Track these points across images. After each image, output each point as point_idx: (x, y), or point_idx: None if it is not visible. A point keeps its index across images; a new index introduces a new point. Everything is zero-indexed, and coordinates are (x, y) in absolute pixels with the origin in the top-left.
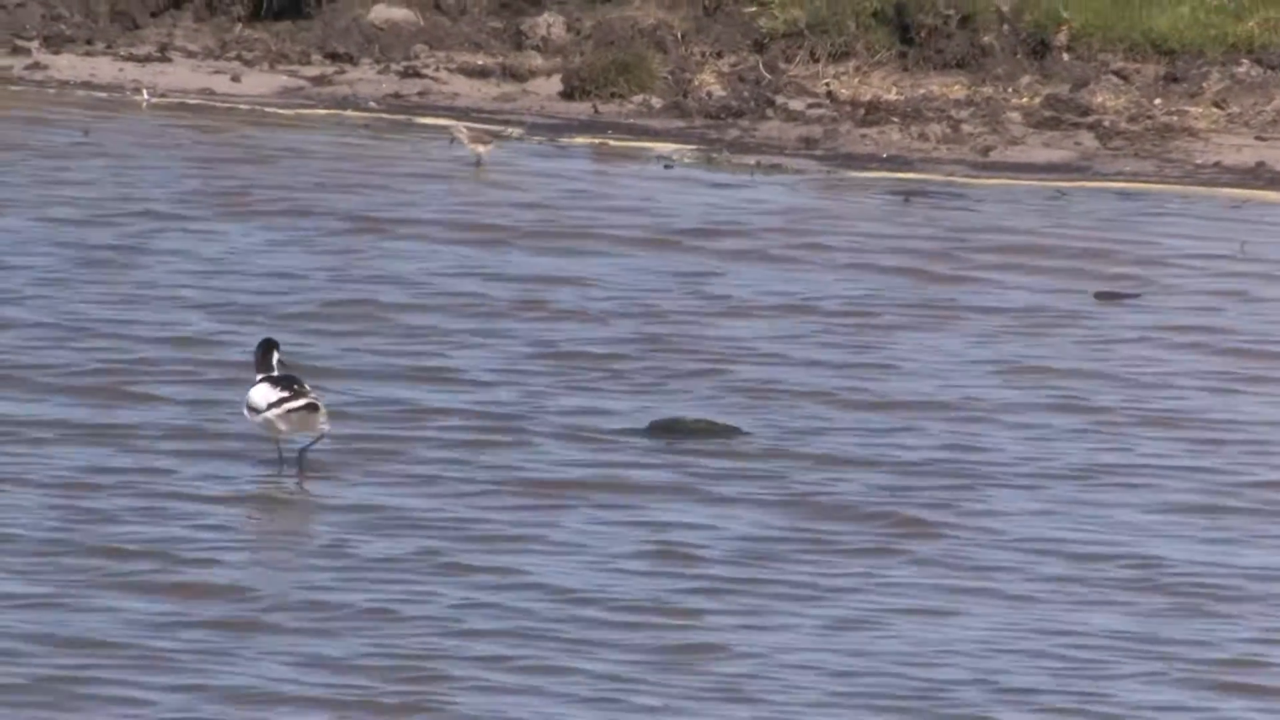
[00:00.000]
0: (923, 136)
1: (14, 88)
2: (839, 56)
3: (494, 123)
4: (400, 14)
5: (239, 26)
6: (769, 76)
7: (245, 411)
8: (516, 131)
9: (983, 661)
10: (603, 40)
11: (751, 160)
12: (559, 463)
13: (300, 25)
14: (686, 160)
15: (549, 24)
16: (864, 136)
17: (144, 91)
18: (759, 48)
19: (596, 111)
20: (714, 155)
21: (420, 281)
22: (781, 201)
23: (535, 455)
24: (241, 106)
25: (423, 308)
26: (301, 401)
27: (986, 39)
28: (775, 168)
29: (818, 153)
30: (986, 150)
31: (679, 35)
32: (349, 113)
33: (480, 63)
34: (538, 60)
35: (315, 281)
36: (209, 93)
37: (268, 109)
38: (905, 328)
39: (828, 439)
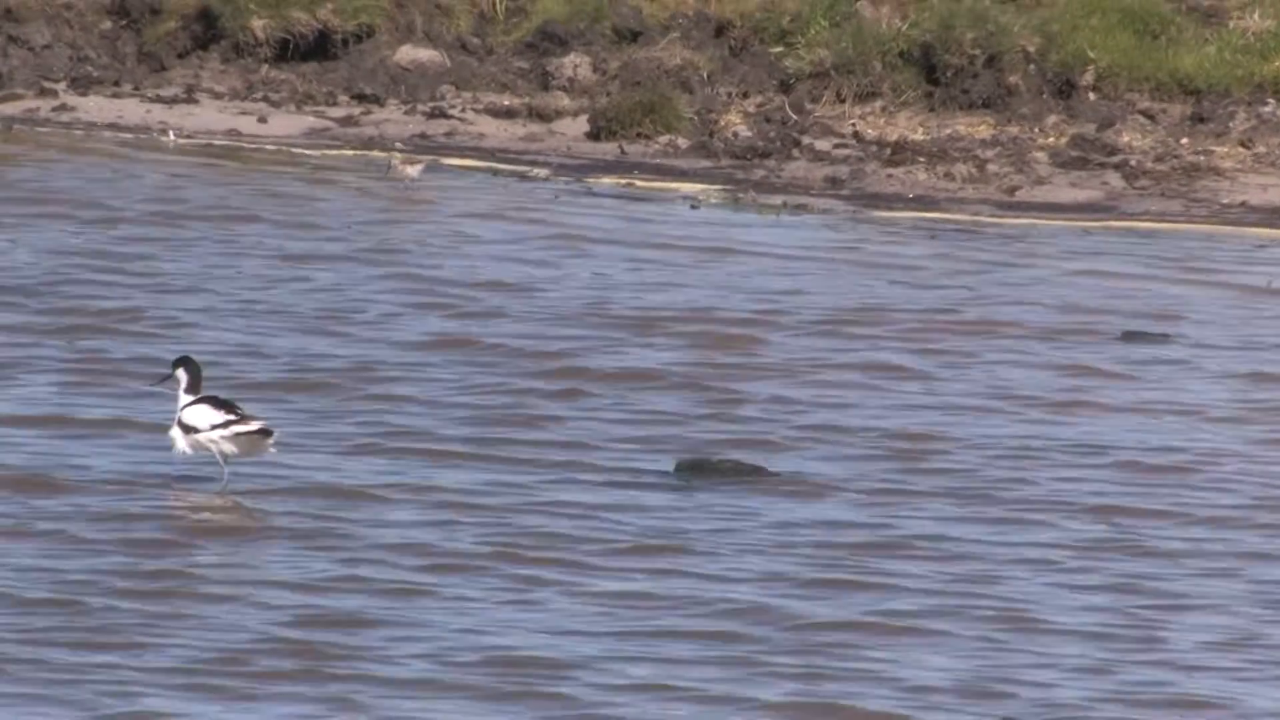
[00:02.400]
0: (949, 176)
1: (41, 129)
2: (865, 97)
3: (520, 163)
4: (427, 55)
5: (265, 68)
6: (795, 117)
7: (175, 431)
8: (543, 172)
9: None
10: (629, 81)
11: (778, 200)
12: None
13: (327, 66)
14: (712, 200)
15: (575, 65)
16: (890, 176)
17: (170, 132)
18: (785, 88)
19: (623, 152)
20: (740, 195)
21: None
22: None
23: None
24: (268, 147)
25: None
26: (253, 425)
27: (1013, 79)
28: (801, 208)
29: (844, 193)
30: (1013, 190)
31: (705, 76)
32: (375, 153)
33: (507, 103)
34: (564, 101)
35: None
36: (235, 133)
37: (294, 149)
38: (932, 367)
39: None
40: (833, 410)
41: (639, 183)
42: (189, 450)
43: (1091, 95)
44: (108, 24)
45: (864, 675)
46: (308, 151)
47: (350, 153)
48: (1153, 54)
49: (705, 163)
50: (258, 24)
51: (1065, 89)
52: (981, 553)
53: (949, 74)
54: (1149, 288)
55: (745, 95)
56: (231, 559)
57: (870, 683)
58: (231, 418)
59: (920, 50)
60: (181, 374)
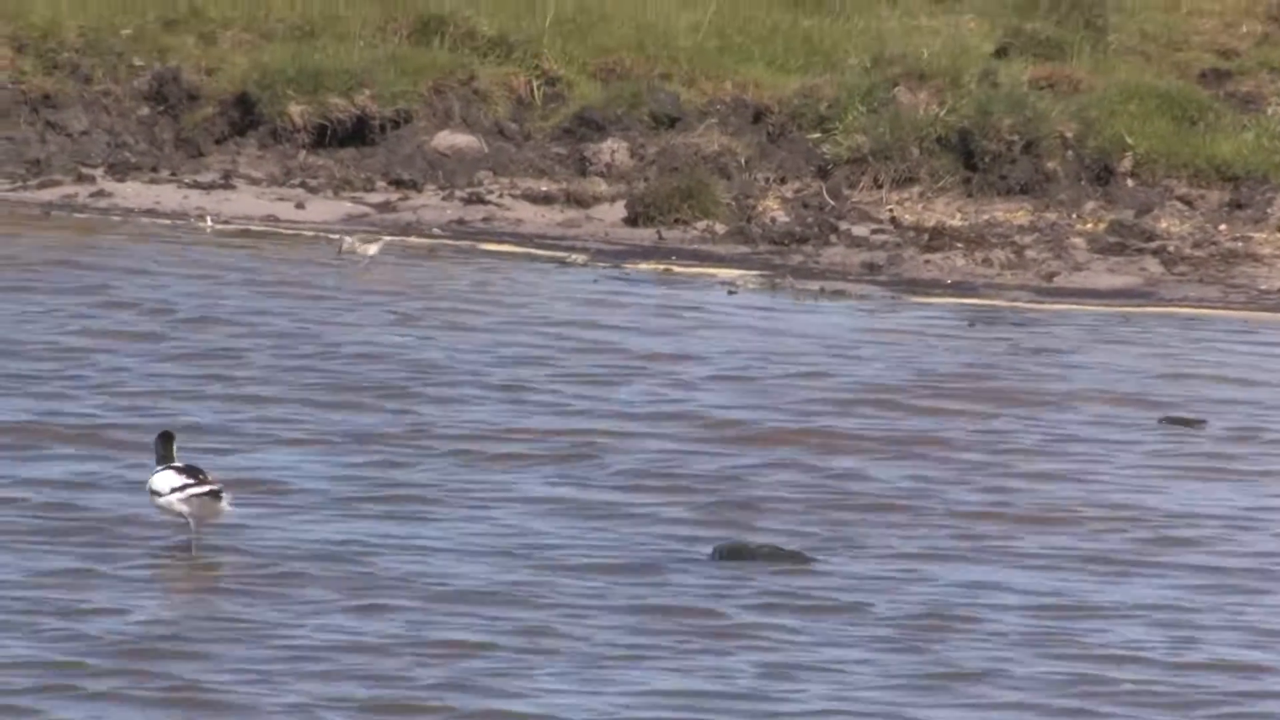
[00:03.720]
0: (987, 262)
1: (79, 215)
2: (903, 182)
3: (558, 248)
4: (464, 140)
5: (303, 154)
6: (832, 202)
7: (150, 496)
8: (580, 258)
9: None
10: (666, 166)
11: (815, 286)
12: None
13: (364, 152)
14: (750, 286)
15: (613, 150)
16: (928, 262)
17: (207, 218)
18: (822, 173)
19: (660, 237)
20: (778, 281)
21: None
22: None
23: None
24: (306, 233)
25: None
26: (205, 488)
27: (1050, 165)
28: (839, 293)
29: (882, 278)
30: (1051, 276)
31: (742, 161)
32: (413, 239)
33: (544, 189)
34: (601, 186)
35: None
36: (273, 219)
37: (332, 235)
38: (972, 450)
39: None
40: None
41: (676, 268)
42: (164, 512)
43: (1129, 181)
44: (145, 110)
45: None
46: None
47: (387, 238)
48: (1190, 140)
49: (743, 248)
50: (295, 110)
51: (1103, 175)
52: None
53: (987, 159)
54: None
55: (783, 181)
56: None
57: None
58: (189, 481)
59: (958, 136)
60: (158, 446)
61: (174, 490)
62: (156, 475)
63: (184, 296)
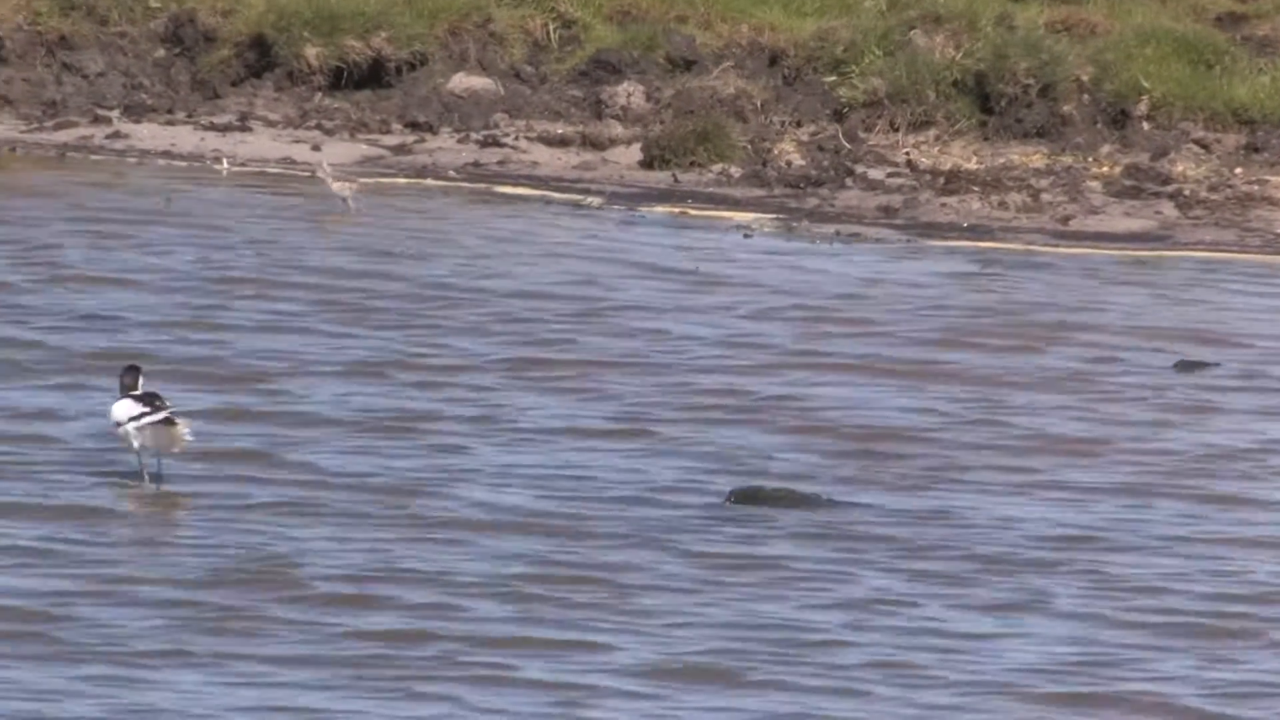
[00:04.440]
0: (1003, 205)
1: (95, 157)
2: (919, 126)
3: (574, 191)
4: (480, 83)
5: (319, 96)
6: (848, 145)
7: (110, 424)
8: (596, 200)
9: None
10: (682, 109)
11: (831, 229)
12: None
13: (380, 94)
14: (766, 229)
15: (629, 93)
16: (944, 205)
17: (224, 160)
18: (838, 117)
19: (676, 180)
20: (793, 224)
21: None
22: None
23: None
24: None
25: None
26: (159, 415)
27: (1067, 108)
28: (855, 237)
29: (897, 222)
30: (1066, 219)
31: (758, 104)
32: (429, 181)
33: (560, 131)
34: (617, 129)
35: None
36: (289, 161)
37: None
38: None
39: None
40: None
41: (692, 211)
42: (123, 441)
43: (1145, 125)
44: (161, 52)
45: None
46: (361, 179)
47: (403, 181)
48: (1207, 84)
49: (758, 191)
50: (311, 52)
51: (1119, 118)
52: None
53: (1003, 103)
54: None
55: (799, 124)
56: None
57: None
58: (145, 410)
59: (974, 79)
60: (125, 378)
61: (131, 419)
62: (116, 404)
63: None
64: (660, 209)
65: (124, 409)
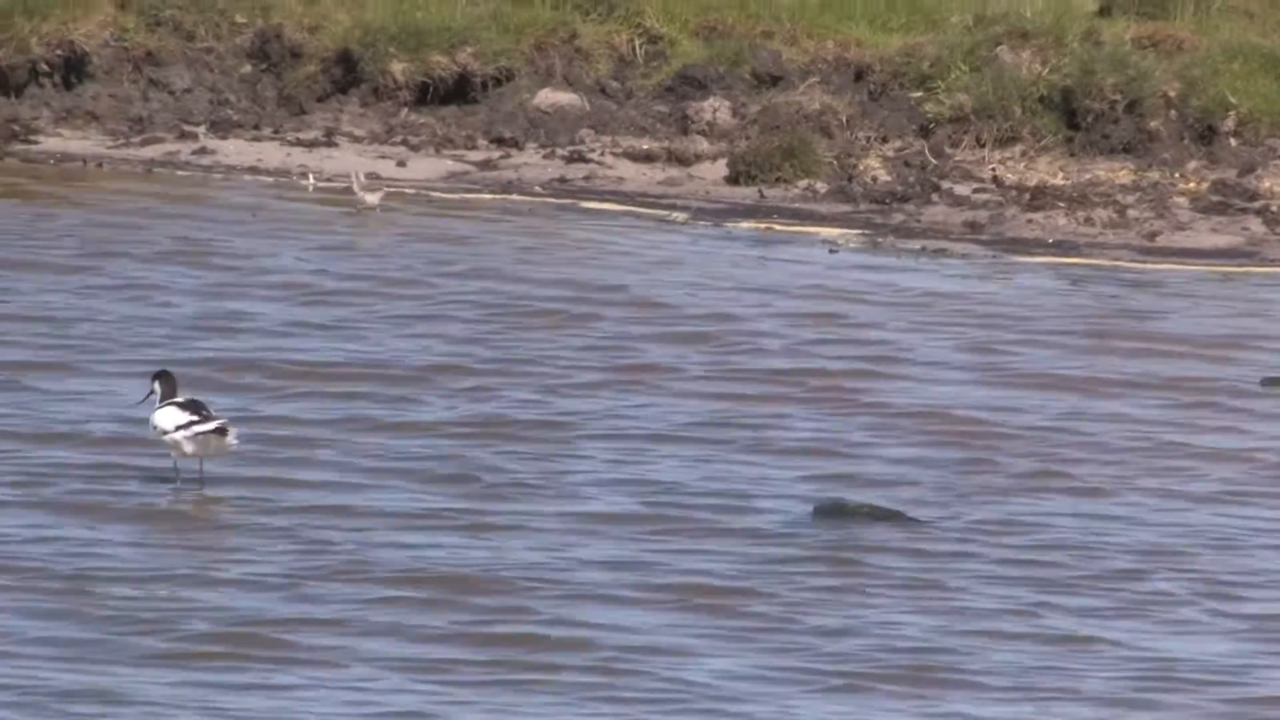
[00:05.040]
0: (1089, 221)
1: (181, 172)
2: (1005, 141)
3: (659, 207)
4: (566, 99)
5: (405, 111)
6: (934, 161)
7: (152, 431)
8: (682, 216)
9: None
10: (768, 125)
11: (916, 245)
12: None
13: (466, 110)
14: (851, 245)
15: (715, 109)
16: (1030, 221)
17: (310, 176)
18: (924, 132)
19: (762, 196)
20: (879, 240)
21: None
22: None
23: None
24: (407, 190)
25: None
26: (211, 425)
27: (1153, 124)
28: (940, 252)
29: (983, 237)
30: (1153, 235)
31: (844, 120)
32: (514, 197)
33: (646, 147)
34: (703, 145)
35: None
36: (375, 177)
37: (433, 193)
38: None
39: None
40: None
41: (777, 227)
42: (170, 449)
43: (1232, 141)
44: (248, 68)
45: None
46: (447, 195)
47: (489, 196)
48: None
49: (844, 207)
50: (397, 68)
51: (1206, 134)
52: None
53: (1089, 119)
54: None
55: (884, 140)
56: None
57: None
58: (194, 419)
59: (1060, 95)
60: (157, 386)
61: (179, 428)
62: (159, 412)
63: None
64: (746, 224)
65: (170, 417)
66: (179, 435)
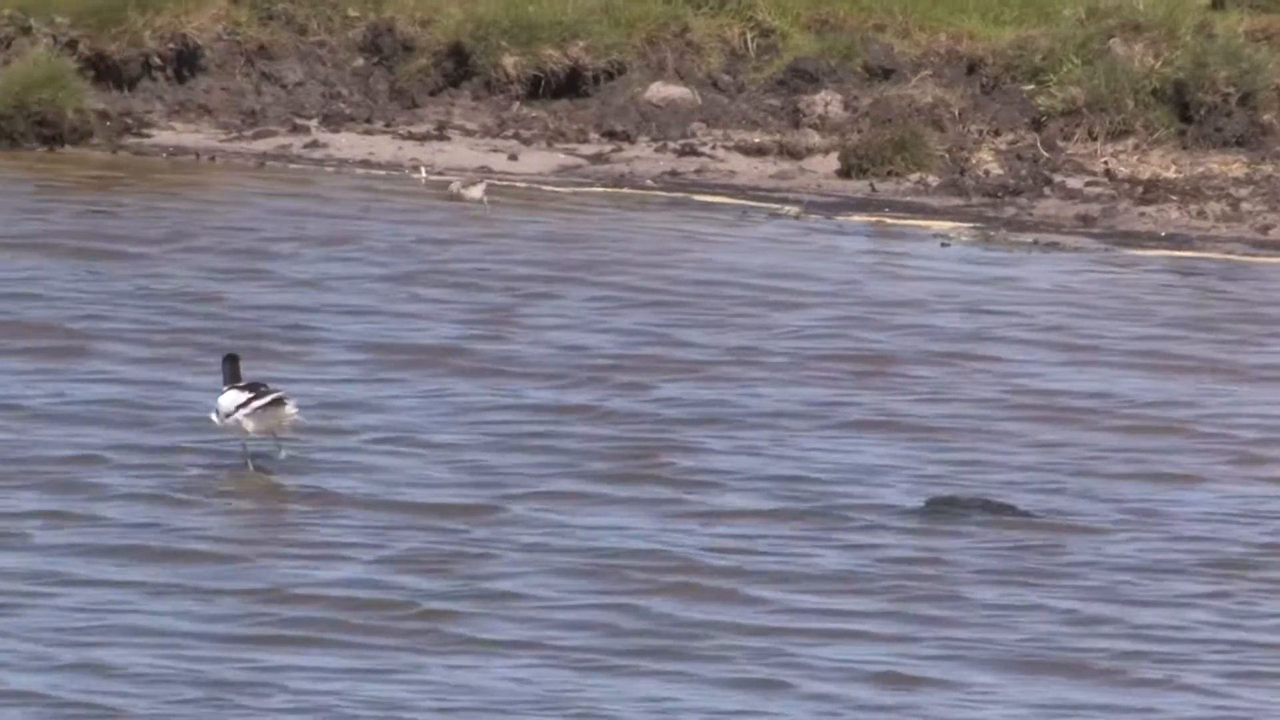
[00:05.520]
0: (1201, 214)
1: (293, 166)
2: (1117, 134)
3: (770, 200)
4: (678, 92)
5: (517, 105)
6: (1046, 154)
7: (213, 416)
8: (793, 209)
9: None
10: (880, 118)
11: (1029, 238)
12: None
13: (578, 104)
14: (963, 239)
15: (826, 102)
16: (1142, 214)
17: (421, 169)
18: (1037, 126)
19: (873, 189)
20: (991, 233)
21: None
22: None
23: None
24: (519, 184)
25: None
26: (268, 398)
27: (1267, 117)
28: (1053, 246)
29: (1095, 231)
30: (1266, 229)
31: (956, 113)
32: (625, 190)
33: (757, 140)
34: (815, 138)
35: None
36: (486, 170)
37: (544, 187)
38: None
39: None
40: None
41: (889, 220)
42: (234, 430)
43: None
44: (360, 61)
45: None
46: (558, 189)
47: (600, 190)
48: None
49: (955, 200)
50: (509, 61)
51: None
52: None
53: (1202, 112)
54: None
55: (997, 133)
56: None
57: None
58: (250, 396)
59: (1173, 88)
60: (224, 368)
61: (239, 408)
62: (222, 396)
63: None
64: (857, 218)
65: (230, 399)
66: (239, 415)
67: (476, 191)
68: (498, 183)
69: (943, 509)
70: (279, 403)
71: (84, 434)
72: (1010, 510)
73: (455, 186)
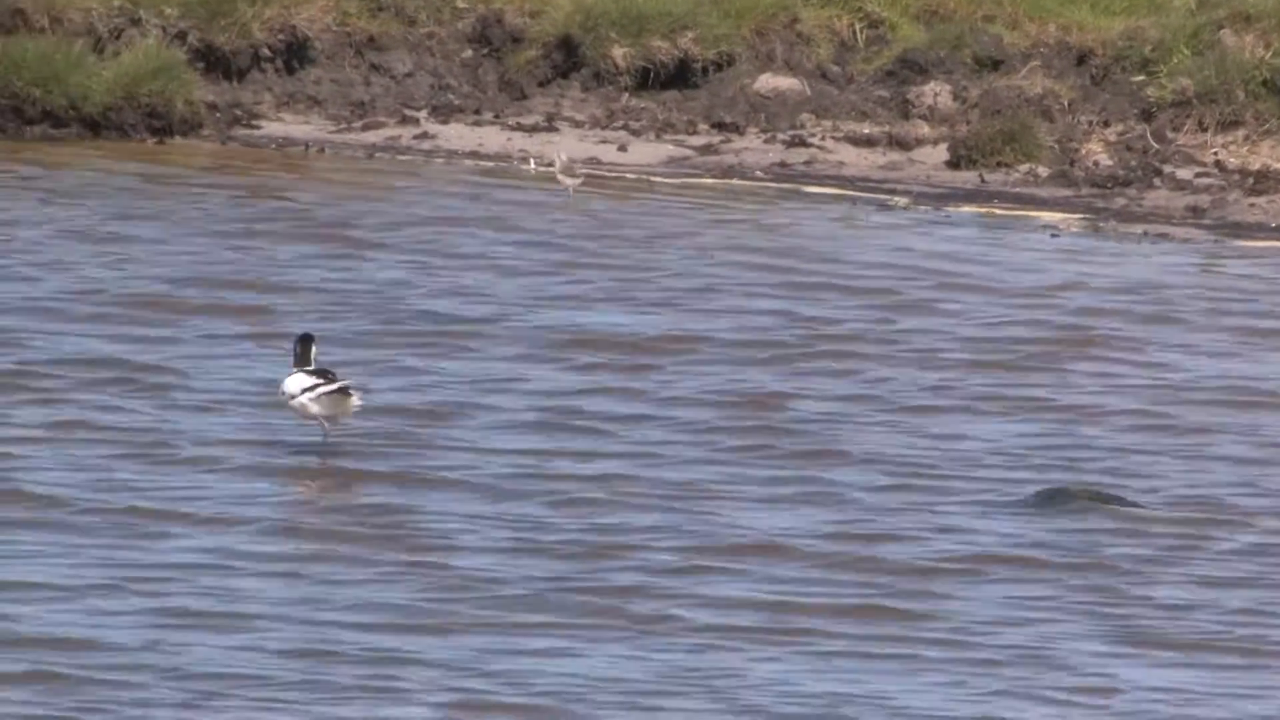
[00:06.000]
0: None
1: (402, 157)
2: (1227, 125)
3: (880, 191)
4: (787, 83)
5: (626, 96)
6: (1156, 145)
7: (280, 396)
8: (902, 200)
9: None
10: (989, 109)
11: (1138, 229)
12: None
13: (687, 95)
14: (1072, 229)
15: (935, 93)
16: (1253, 205)
17: (531, 161)
18: (1146, 116)
19: (982, 180)
20: (1100, 224)
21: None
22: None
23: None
24: (628, 175)
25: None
26: (334, 386)
27: None
28: (1162, 237)
29: (1205, 222)
30: None
31: (1066, 104)
32: (735, 181)
33: (866, 131)
34: (924, 129)
35: None
36: (596, 161)
37: (654, 178)
38: None
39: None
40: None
41: (998, 211)
42: (297, 412)
43: None
44: (469, 52)
45: None
46: (667, 180)
47: (709, 181)
48: None
49: (1065, 191)
50: (618, 52)
51: None
52: None
53: None
54: None
55: (1106, 124)
56: None
57: None
58: (319, 382)
59: None
60: (296, 348)
61: (305, 391)
62: (289, 378)
63: None
64: (967, 209)
65: (296, 382)
66: (304, 398)
67: (572, 182)
68: (607, 174)
69: (1052, 501)
70: (345, 392)
71: None
72: (1120, 502)
73: (558, 169)
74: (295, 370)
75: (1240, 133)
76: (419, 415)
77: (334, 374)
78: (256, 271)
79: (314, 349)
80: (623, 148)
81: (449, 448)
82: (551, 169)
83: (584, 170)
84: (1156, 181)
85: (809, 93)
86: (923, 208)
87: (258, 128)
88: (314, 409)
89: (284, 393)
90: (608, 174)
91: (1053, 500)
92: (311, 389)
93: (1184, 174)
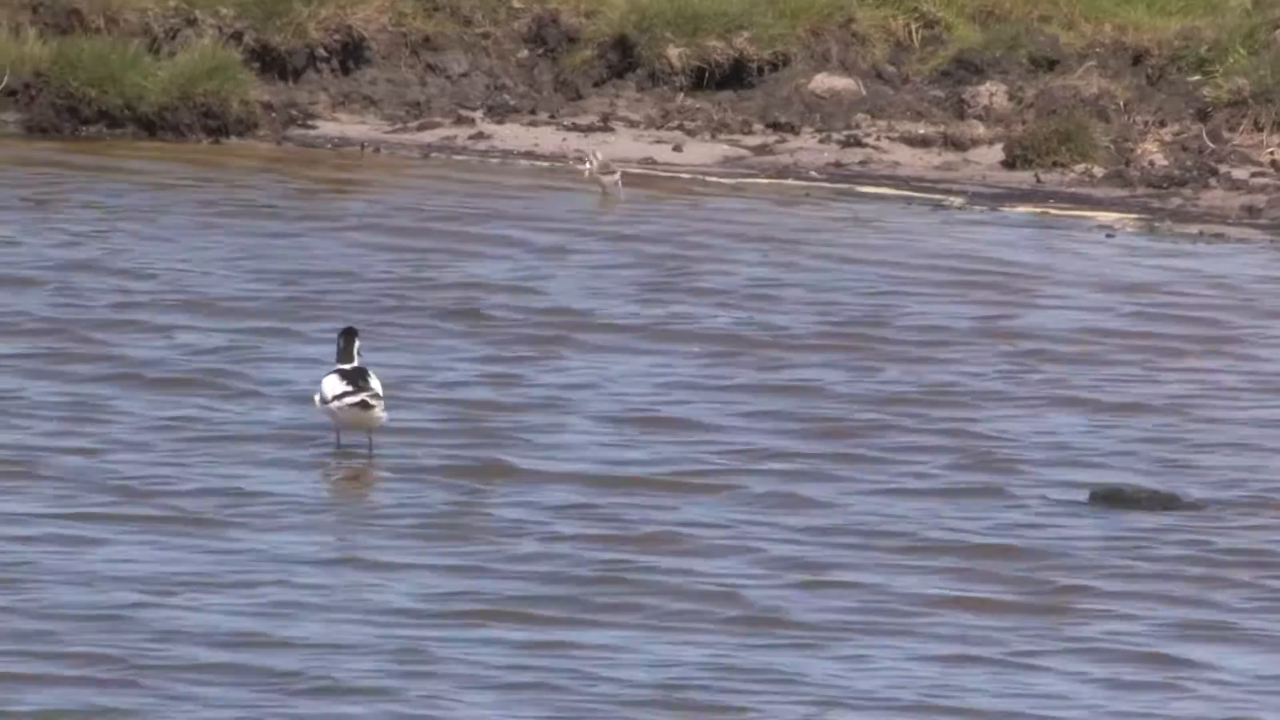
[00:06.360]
0: None
1: (458, 157)
2: None
3: (935, 192)
4: (842, 83)
5: (681, 96)
6: (1212, 145)
7: (315, 398)
8: (958, 200)
9: None
10: (1044, 109)
11: (1194, 229)
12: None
13: (742, 95)
14: (1128, 229)
15: (991, 93)
16: None
17: (586, 161)
18: (1202, 116)
19: (1038, 180)
20: (1156, 225)
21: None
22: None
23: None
24: (683, 175)
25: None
26: (357, 398)
27: None
28: (1218, 237)
29: (1261, 222)
30: None
31: (1121, 104)
32: (789, 181)
33: (921, 132)
34: (979, 129)
35: None
36: (650, 162)
37: (709, 178)
38: None
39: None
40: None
41: (1053, 211)
42: (328, 416)
43: None
44: (524, 52)
45: None
46: (723, 180)
47: (764, 181)
48: None
49: (1120, 191)
50: (674, 52)
51: None
52: None
53: None
54: None
55: (1162, 124)
56: None
57: None
58: (348, 389)
59: None
60: (339, 342)
61: (335, 397)
62: (326, 378)
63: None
64: (1022, 209)
65: (330, 386)
66: (332, 405)
67: (609, 179)
68: (661, 175)
69: (1107, 502)
70: (365, 405)
71: None
72: (1177, 501)
73: (595, 167)
74: (334, 369)
75: None
76: (504, 409)
77: (369, 376)
78: (322, 265)
79: (357, 343)
80: (678, 148)
81: (537, 445)
82: (589, 168)
83: (620, 169)
84: (1212, 181)
85: (864, 93)
86: (978, 208)
87: (313, 128)
88: (341, 417)
89: (320, 395)
90: (661, 174)
91: (1117, 498)
92: (340, 396)
93: (1240, 174)
